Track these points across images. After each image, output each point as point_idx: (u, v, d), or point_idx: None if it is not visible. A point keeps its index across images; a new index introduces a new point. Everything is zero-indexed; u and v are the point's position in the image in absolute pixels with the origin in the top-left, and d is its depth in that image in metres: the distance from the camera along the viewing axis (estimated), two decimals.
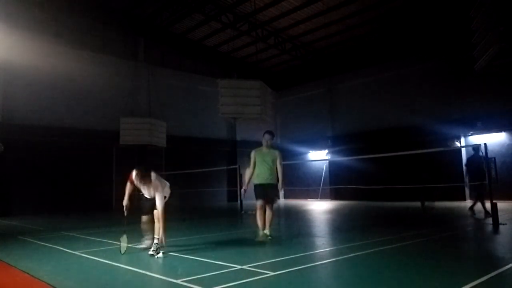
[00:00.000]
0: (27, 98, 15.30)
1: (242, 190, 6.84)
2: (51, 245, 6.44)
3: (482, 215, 9.47)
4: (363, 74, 20.59)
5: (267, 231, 6.39)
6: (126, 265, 4.64)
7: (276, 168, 6.58)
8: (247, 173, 6.71)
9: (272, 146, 6.72)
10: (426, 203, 12.54)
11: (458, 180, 16.22)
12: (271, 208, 6.47)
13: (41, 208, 14.73)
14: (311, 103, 23.26)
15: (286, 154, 24.01)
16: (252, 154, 6.63)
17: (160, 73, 19.85)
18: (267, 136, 6.63)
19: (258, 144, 6.82)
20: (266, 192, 6.42)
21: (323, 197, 21.45)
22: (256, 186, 6.54)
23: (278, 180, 6.58)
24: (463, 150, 16.53)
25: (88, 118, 16.77)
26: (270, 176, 6.48)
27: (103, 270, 4.50)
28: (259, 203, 6.40)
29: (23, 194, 14.85)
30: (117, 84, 18.08)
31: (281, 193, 7.40)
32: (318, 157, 21.98)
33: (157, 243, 5.19)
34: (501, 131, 15.69)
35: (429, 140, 16.38)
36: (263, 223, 6.39)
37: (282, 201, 21.51)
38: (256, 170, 6.57)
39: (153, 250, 5.12)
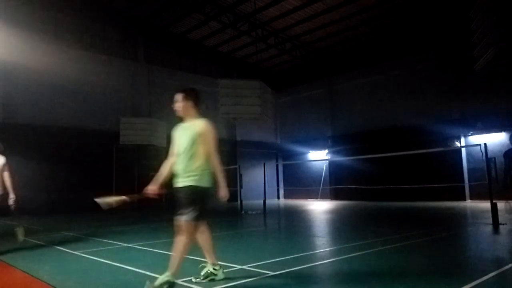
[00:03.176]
0: (27, 98, 15.30)
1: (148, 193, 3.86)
2: (51, 245, 6.44)
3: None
4: (363, 74, 20.59)
5: (166, 277, 3.45)
6: (126, 265, 4.64)
7: (205, 157, 3.68)
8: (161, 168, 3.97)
9: (199, 116, 3.88)
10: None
11: (458, 180, 16.25)
12: (183, 231, 3.50)
13: (41, 208, 14.72)
14: (311, 103, 23.26)
15: (286, 154, 24.17)
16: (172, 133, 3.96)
17: (160, 73, 19.85)
18: (176, 97, 3.80)
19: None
20: (179, 201, 3.61)
21: (323, 197, 21.44)
22: None
23: (204, 179, 3.66)
24: (463, 150, 16.54)
25: (88, 118, 16.77)
26: (185, 173, 3.62)
27: (103, 270, 4.50)
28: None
29: (23, 194, 14.83)
30: (117, 84, 18.08)
31: (225, 200, 3.75)
32: (318, 157, 21.98)
33: None
34: (501, 131, 15.68)
35: (429, 140, 16.39)
36: (179, 259, 3.53)
37: (282, 201, 21.52)
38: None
39: None
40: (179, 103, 3.80)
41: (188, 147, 3.66)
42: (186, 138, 3.70)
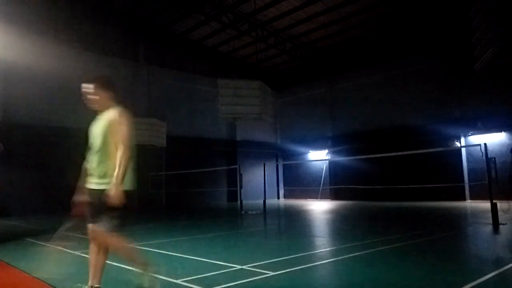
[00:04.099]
0: (27, 98, 15.30)
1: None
2: (51, 245, 6.43)
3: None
4: (363, 74, 20.59)
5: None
6: (126, 265, 4.63)
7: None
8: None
9: (117, 106, 3.33)
10: None
11: (458, 180, 16.25)
12: (100, 241, 3.18)
13: (41, 208, 14.72)
14: (311, 103, 23.26)
15: (286, 154, 24.18)
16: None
17: (160, 73, 19.85)
18: (87, 88, 3.32)
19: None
20: (91, 206, 3.17)
21: (323, 197, 21.44)
22: None
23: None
24: (463, 150, 16.54)
25: (88, 118, 16.68)
26: (99, 173, 3.15)
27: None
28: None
29: (23, 194, 14.84)
30: (117, 84, 18.02)
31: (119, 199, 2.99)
32: (318, 157, 21.98)
33: None
34: (501, 131, 15.68)
35: (429, 140, 16.39)
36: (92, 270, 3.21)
37: (282, 201, 21.53)
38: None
39: None
40: (91, 94, 3.29)
41: (101, 142, 3.14)
42: (99, 132, 3.19)
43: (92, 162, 3.20)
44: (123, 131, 3.14)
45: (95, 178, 3.15)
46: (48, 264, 4.77)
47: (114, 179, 2.99)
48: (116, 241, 3.10)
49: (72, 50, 16.64)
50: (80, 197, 3.26)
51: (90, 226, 3.11)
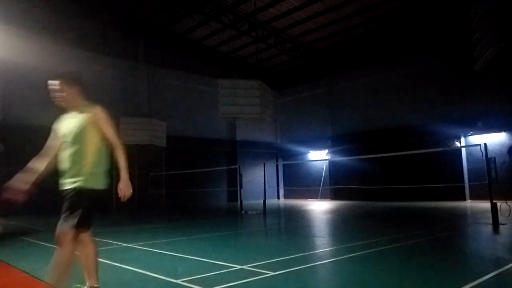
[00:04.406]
0: (27, 98, 15.29)
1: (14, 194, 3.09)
2: (51, 245, 6.42)
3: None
4: (363, 74, 20.60)
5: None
6: (126, 265, 4.64)
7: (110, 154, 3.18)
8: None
9: (88, 103, 3.22)
10: None
11: (458, 180, 16.25)
12: (63, 242, 2.91)
13: (41, 208, 14.71)
14: (311, 103, 23.26)
15: (286, 154, 24.18)
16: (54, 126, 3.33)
17: (160, 73, 19.85)
18: (55, 84, 3.13)
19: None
20: (64, 207, 3.02)
21: (323, 197, 21.44)
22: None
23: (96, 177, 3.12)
24: (463, 150, 16.54)
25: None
26: (71, 172, 3.03)
27: (103, 270, 4.48)
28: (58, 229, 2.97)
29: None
30: (117, 84, 18.08)
31: (128, 195, 3.15)
32: (318, 157, 21.98)
33: None
34: (501, 131, 15.68)
35: (429, 140, 16.39)
36: (59, 273, 2.92)
37: (282, 201, 21.53)
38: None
39: None
40: (60, 91, 3.10)
41: (75, 141, 3.01)
42: (73, 131, 3.03)
43: (64, 161, 3.06)
44: (110, 128, 3.13)
45: (68, 177, 3.02)
46: (48, 264, 4.77)
47: (123, 176, 3.06)
48: (69, 240, 2.91)
49: (72, 50, 16.63)
50: (19, 183, 3.08)
51: (60, 226, 2.91)
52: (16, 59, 14.17)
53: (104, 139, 3.12)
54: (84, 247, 3.12)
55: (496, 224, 7.77)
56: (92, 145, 3.06)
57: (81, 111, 3.12)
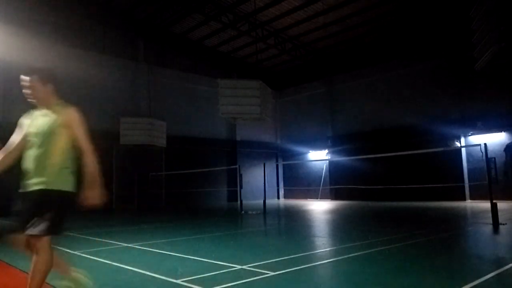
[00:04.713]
0: (26, 98, 15.29)
1: None
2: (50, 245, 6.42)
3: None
4: (363, 74, 20.60)
5: None
6: (126, 265, 4.64)
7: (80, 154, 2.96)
8: None
9: (61, 103, 3.07)
10: None
11: (458, 180, 16.25)
12: (39, 248, 2.77)
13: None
14: (311, 103, 23.27)
15: (286, 154, 24.18)
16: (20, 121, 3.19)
17: (160, 73, 19.85)
18: (27, 81, 2.95)
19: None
20: (27, 209, 2.84)
21: (323, 197, 21.45)
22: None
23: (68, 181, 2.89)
24: (463, 150, 16.54)
25: (88, 118, 16.65)
26: (37, 173, 2.83)
27: (103, 270, 4.50)
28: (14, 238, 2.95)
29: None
30: (117, 84, 18.08)
31: (97, 198, 2.85)
32: (318, 157, 21.98)
33: None
34: (501, 131, 15.69)
35: (429, 140, 16.40)
36: (42, 281, 2.82)
37: (282, 201, 21.53)
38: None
39: None
40: (33, 88, 2.92)
41: (44, 141, 2.83)
42: (43, 130, 2.86)
43: (30, 160, 2.85)
44: (83, 131, 2.99)
45: (33, 178, 2.81)
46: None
47: (91, 182, 2.83)
48: (48, 246, 2.78)
49: (72, 50, 16.63)
50: None
51: (30, 231, 2.71)
52: (16, 59, 14.17)
53: (75, 142, 2.94)
54: (36, 253, 2.77)
55: (496, 224, 7.77)
56: (61, 146, 2.87)
57: (54, 111, 2.94)
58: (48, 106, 2.98)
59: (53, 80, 3.01)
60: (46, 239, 2.75)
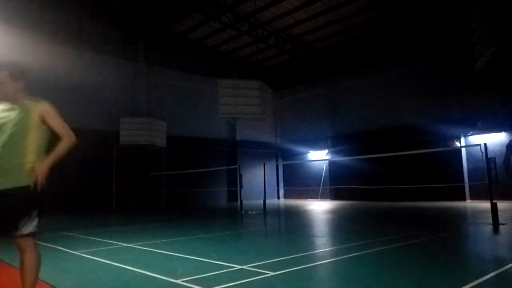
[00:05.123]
0: None
1: None
2: (51, 245, 6.43)
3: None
4: (363, 74, 20.60)
5: None
6: (126, 265, 4.64)
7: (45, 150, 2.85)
8: None
9: (30, 98, 2.92)
10: None
11: (458, 180, 16.25)
12: (29, 246, 2.80)
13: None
14: (311, 103, 23.27)
15: (286, 154, 24.18)
16: None
17: (160, 73, 19.85)
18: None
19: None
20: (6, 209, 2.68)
21: (323, 197, 21.44)
22: None
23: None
24: (463, 150, 16.54)
25: (88, 118, 16.74)
26: (11, 169, 2.70)
27: (103, 270, 4.50)
28: None
29: None
30: (117, 84, 18.08)
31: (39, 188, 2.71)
32: (318, 157, 21.98)
33: None
34: (501, 131, 15.69)
35: (429, 140, 16.39)
36: (35, 278, 2.85)
37: (282, 201, 21.53)
38: None
39: None
40: (2, 84, 2.79)
41: (13, 135, 2.69)
42: (12, 126, 2.70)
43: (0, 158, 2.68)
44: (59, 120, 2.87)
45: (7, 175, 2.66)
46: (47, 264, 4.77)
47: (49, 158, 2.75)
48: (35, 242, 2.76)
49: (72, 50, 16.64)
50: None
51: (19, 231, 2.66)
52: (16, 59, 14.17)
53: (51, 133, 2.84)
54: (24, 252, 2.76)
55: (496, 224, 7.77)
56: (34, 141, 2.76)
57: (23, 105, 2.80)
58: (15, 102, 2.81)
59: (25, 77, 2.90)
60: (32, 237, 2.74)
